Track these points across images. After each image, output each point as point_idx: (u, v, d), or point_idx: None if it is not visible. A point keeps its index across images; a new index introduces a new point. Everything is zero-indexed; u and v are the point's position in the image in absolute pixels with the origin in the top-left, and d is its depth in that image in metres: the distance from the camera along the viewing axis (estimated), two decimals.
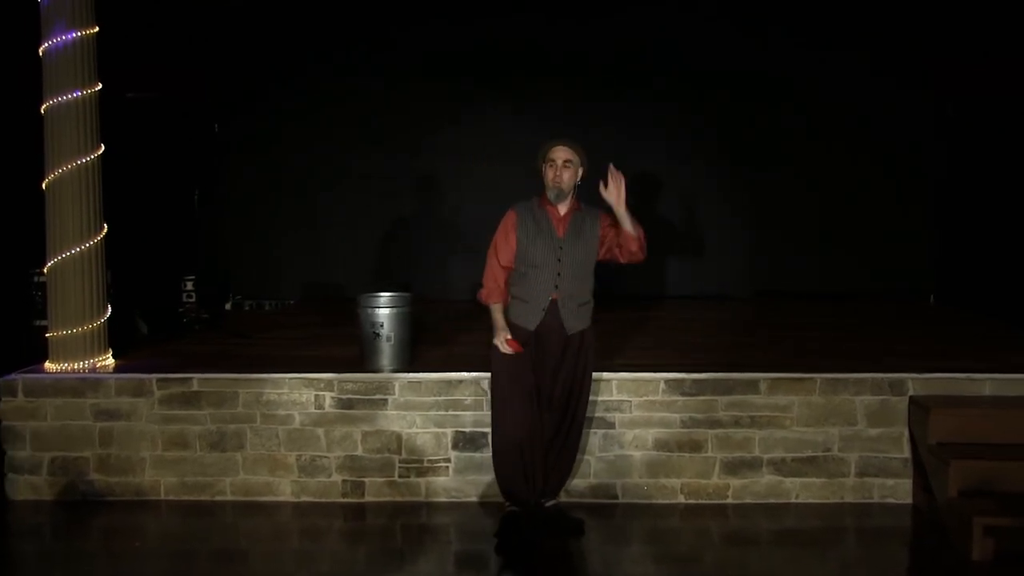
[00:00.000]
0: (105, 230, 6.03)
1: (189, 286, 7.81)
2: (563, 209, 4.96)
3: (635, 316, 7.79)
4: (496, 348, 4.96)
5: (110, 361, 6.09)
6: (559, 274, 4.91)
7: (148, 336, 7.23)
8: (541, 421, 4.99)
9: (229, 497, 5.71)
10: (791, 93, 9.12)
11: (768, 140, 9.22)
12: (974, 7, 8.47)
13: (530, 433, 4.94)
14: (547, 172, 4.91)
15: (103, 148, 5.97)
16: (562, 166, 4.87)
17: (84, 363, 5.91)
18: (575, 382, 5.04)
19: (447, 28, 9.10)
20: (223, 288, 9.20)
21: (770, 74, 9.10)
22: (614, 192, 4.75)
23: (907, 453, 5.58)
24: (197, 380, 5.70)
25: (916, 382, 5.58)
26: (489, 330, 5.00)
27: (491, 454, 5.18)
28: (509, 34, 9.09)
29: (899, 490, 5.60)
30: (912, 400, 5.53)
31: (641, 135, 9.14)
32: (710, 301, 9.10)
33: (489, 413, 5.56)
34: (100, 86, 5.90)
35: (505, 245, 4.96)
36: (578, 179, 4.95)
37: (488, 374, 5.56)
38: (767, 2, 9.00)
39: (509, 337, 4.88)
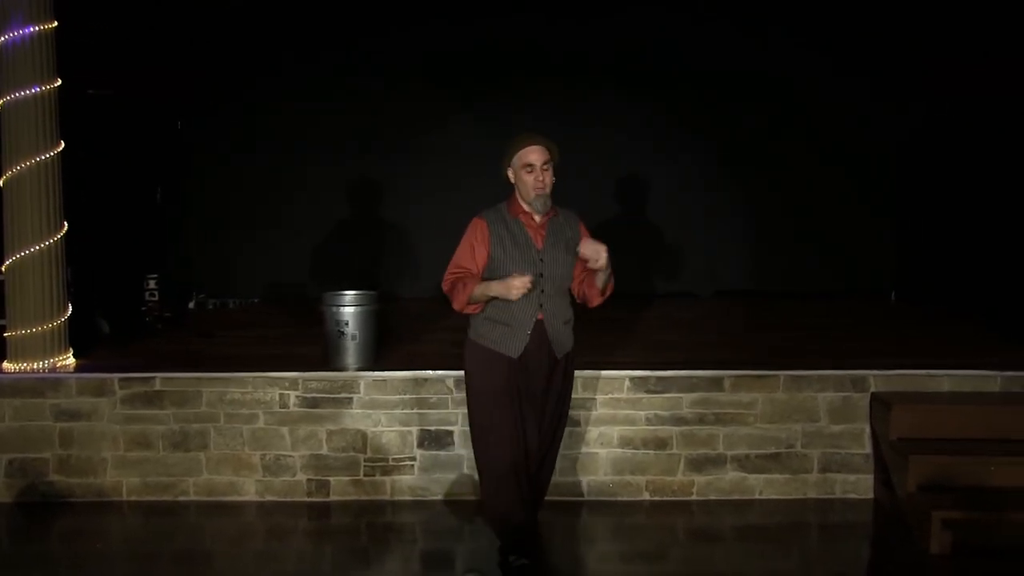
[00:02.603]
0: (65, 228, 5.96)
1: (152, 284, 7.72)
2: (539, 216, 4.41)
3: (599, 314, 7.77)
4: (472, 369, 4.47)
5: (70, 361, 6.02)
6: (543, 291, 4.35)
7: (110, 335, 7.14)
8: (532, 450, 4.47)
9: (192, 497, 5.66)
10: (759, 94, 9.17)
11: (735, 140, 9.26)
12: (942, 10, 8.56)
13: (521, 458, 4.41)
14: (524, 178, 4.32)
15: (63, 145, 5.89)
16: (542, 169, 4.30)
17: (44, 363, 5.83)
18: (559, 408, 4.59)
19: (419, 28, 9.05)
20: (186, 287, 9.10)
21: (740, 74, 9.14)
22: (599, 259, 4.27)
23: (868, 449, 5.65)
24: (160, 379, 5.65)
25: (877, 379, 5.65)
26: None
27: (482, 495, 4.59)
28: (481, 34, 9.06)
29: (860, 485, 5.67)
30: (874, 396, 5.60)
31: (620, 134, 9.14)
32: (674, 300, 9.15)
33: (455, 411, 5.60)
34: (59, 82, 5.82)
35: (471, 257, 4.38)
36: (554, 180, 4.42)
37: (453, 372, 5.58)
38: (737, 3, 9.05)
39: (518, 276, 4.23)
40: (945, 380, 5.66)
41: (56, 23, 5.78)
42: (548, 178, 4.33)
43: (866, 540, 5.36)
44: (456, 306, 4.42)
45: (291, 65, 9.08)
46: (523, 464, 4.41)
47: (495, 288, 4.27)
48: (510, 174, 4.43)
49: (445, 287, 4.46)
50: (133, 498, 5.65)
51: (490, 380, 4.39)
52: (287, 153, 9.16)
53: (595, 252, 4.26)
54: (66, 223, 5.97)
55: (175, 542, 5.19)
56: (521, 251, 4.35)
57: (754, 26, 9.08)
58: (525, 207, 4.40)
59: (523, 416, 4.40)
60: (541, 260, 4.36)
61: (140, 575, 4.83)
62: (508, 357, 4.35)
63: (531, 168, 4.31)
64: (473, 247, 4.39)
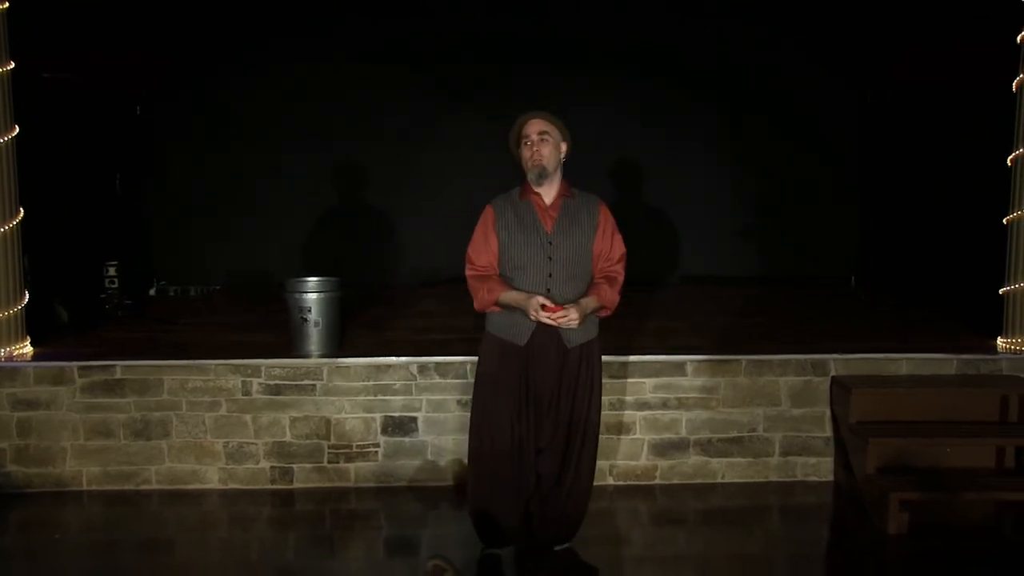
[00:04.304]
0: (21, 214, 5.86)
1: (111, 271, 7.59)
2: (549, 197, 4.28)
3: None
4: (482, 358, 4.37)
5: (28, 349, 5.93)
6: (550, 275, 4.21)
7: (68, 323, 7.04)
8: (532, 446, 4.34)
9: (154, 486, 5.61)
10: (722, 83, 9.21)
11: (697, 128, 9.31)
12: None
13: (517, 451, 4.30)
14: (523, 153, 4.25)
15: (17, 129, 5.78)
16: (539, 140, 4.20)
17: (0, 351, 5.74)
18: (577, 409, 4.33)
19: (386, 13, 8.98)
20: (147, 273, 9.00)
21: (701, 64, 9.18)
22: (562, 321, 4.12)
23: (829, 432, 5.72)
24: (120, 367, 5.58)
25: (838, 362, 5.72)
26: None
27: (468, 483, 4.53)
28: (448, 21, 9.01)
29: (821, 468, 5.74)
30: (834, 380, 5.67)
31: (585, 124, 9.11)
32: (637, 286, 9.18)
33: (419, 398, 5.60)
34: (12, 65, 5.71)
35: (484, 248, 4.28)
36: (562, 156, 4.30)
37: (417, 359, 5.60)
38: None
39: (543, 302, 4.11)
40: (903, 363, 5.74)
41: (7, 3, 5.66)
42: (546, 150, 4.21)
43: (826, 521, 5.43)
44: (477, 307, 4.33)
45: (253, 51, 8.98)
46: (520, 459, 4.31)
47: (520, 300, 4.16)
48: (518, 153, 4.34)
49: (469, 284, 4.35)
50: (93, 488, 5.58)
51: (495, 370, 4.31)
52: (249, 139, 9.08)
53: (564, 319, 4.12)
54: (22, 209, 5.87)
55: (137, 531, 5.14)
56: (527, 235, 4.23)
57: (715, 15, 9.11)
58: (534, 187, 4.29)
59: (527, 410, 4.29)
60: (549, 243, 4.23)
61: (101, 565, 4.77)
62: (516, 346, 4.25)
63: (527, 140, 4.24)
64: (484, 236, 4.29)
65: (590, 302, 4.22)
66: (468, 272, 4.35)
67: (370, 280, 8.93)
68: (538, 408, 4.32)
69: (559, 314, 4.10)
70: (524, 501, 4.42)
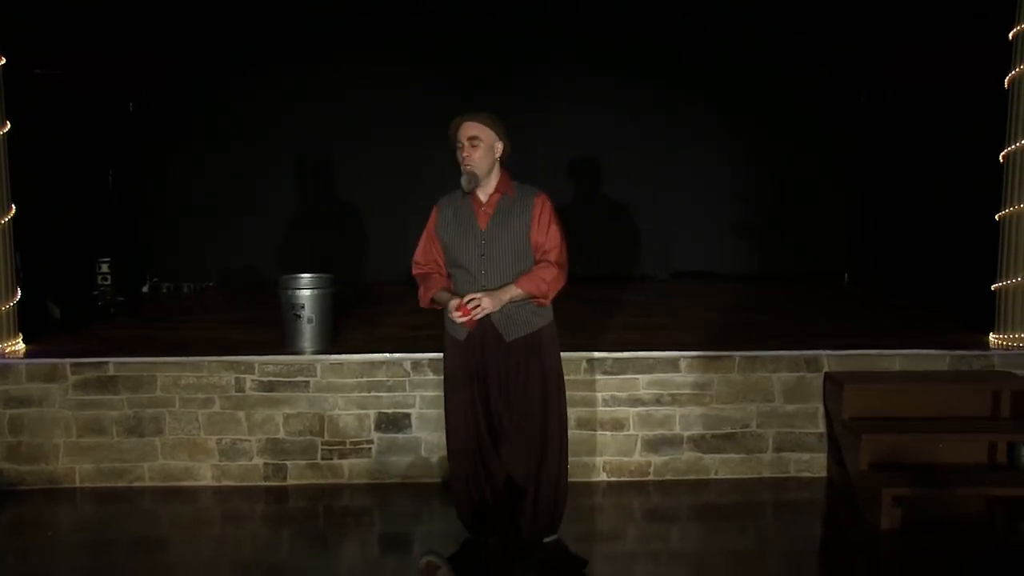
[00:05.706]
0: (13, 211, 5.85)
1: (104, 268, 7.58)
2: (485, 195, 4.25)
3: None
4: (444, 351, 4.41)
5: (20, 346, 5.92)
6: (484, 272, 4.20)
7: (61, 320, 7.03)
8: (492, 438, 4.32)
9: (147, 483, 5.60)
10: (717, 80, 9.22)
11: (691, 125, 9.32)
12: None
13: (476, 443, 4.31)
14: (458, 156, 4.21)
15: (9, 125, 5.77)
16: (468, 145, 4.15)
17: None
18: (532, 399, 4.28)
19: (381, 12, 8.98)
20: (140, 270, 8.98)
21: (696, 61, 9.19)
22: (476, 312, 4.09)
23: (822, 428, 5.72)
24: (113, 364, 5.57)
25: (831, 358, 5.72)
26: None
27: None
28: (448, 21, 9.01)
29: (814, 464, 5.74)
30: (827, 376, 5.67)
31: (576, 118, 9.15)
32: (630, 282, 9.21)
33: (412, 394, 5.61)
34: (3, 60, 5.70)
35: (427, 246, 4.36)
36: (497, 156, 4.22)
37: (410, 355, 5.62)
38: None
39: (456, 302, 4.11)
40: (896, 359, 5.74)
41: None
42: (476, 155, 4.15)
43: (819, 517, 5.43)
44: (421, 304, 4.38)
45: (253, 51, 8.98)
46: (480, 451, 4.32)
47: (443, 303, 4.20)
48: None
49: (417, 280, 4.42)
50: (86, 485, 5.58)
51: (451, 366, 4.38)
52: (243, 137, 9.08)
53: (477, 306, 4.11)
54: (14, 206, 5.86)
55: (129, 529, 5.13)
56: (463, 232, 4.23)
57: (715, 15, 9.12)
58: (464, 190, 4.24)
59: (483, 403, 4.30)
60: (483, 241, 4.21)
61: (93, 563, 4.75)
62: (461, 341, 4.28)
63: (459, 145, 4.19)
64: (428, 236, 4.35)
65: (508, 290, 4.16)
66: (413, 270, 4.43)
67: (368, 278, 8.94)
68: (493, 400, 4.29)
69: (469, 307, 4.07)
70: (495, 491, 4.40)
